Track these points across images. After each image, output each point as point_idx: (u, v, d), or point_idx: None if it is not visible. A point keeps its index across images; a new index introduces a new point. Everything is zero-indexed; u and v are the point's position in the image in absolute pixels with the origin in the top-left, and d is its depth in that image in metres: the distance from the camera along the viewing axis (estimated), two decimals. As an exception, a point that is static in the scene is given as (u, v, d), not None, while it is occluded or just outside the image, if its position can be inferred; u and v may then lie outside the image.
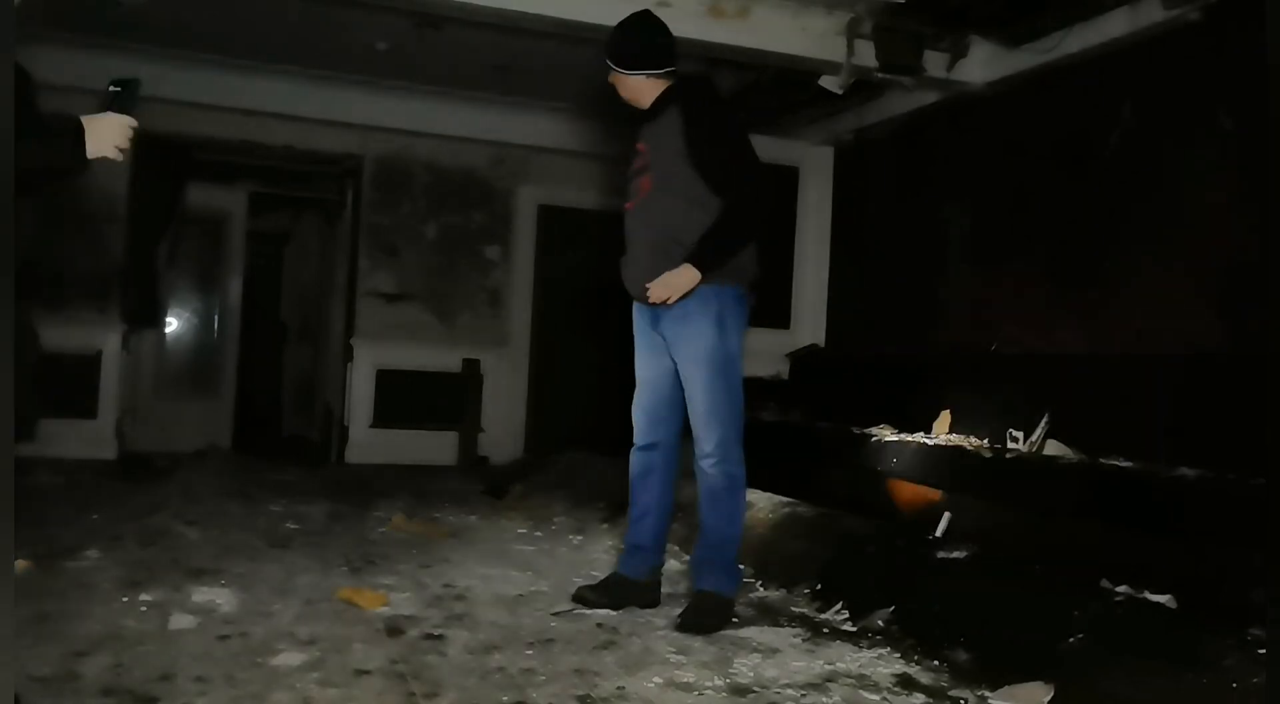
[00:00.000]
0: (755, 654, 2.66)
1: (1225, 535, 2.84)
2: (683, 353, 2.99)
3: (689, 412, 3.02)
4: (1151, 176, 4.15)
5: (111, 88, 1.86)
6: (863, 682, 2.46)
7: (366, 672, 2.34)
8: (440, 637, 2.67)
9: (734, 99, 5.59)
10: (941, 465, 3.94)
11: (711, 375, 2.95)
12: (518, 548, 4.04)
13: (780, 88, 5.49)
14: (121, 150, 1.85)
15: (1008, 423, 3.99)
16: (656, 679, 2.40)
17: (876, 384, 5.14)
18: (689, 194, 2.95)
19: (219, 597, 2.91)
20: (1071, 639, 2.43)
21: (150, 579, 3.12)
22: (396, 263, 6.93)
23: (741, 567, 3.22)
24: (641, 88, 3.08)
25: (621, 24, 3.11)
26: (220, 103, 6.19)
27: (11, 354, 1.64)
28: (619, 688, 2.32)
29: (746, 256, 3.02)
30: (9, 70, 1.64)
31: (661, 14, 3.20)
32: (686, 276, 2.89)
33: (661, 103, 3.06)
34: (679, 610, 2.97)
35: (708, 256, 2.91)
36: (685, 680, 2.40)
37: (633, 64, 3.07)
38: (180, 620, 2.67)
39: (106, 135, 1.81)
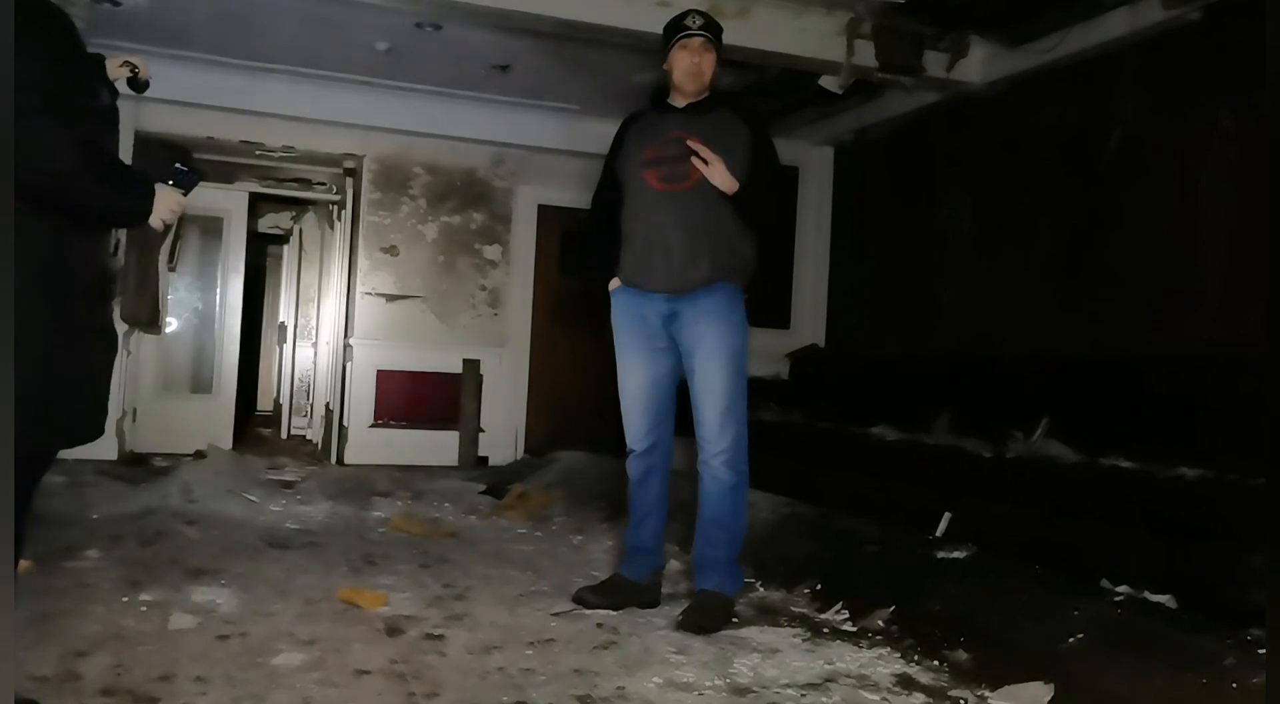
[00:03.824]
0: (755, 654, 2.65)
1: (1225, 535, 2.84)
2: (706, 350, 2.96)
3: (703, 409, 2.98)
4: (1151, 176, 4.15)
5: (177, 166, 2.06)
6: (863, 682, 2.46)
7: (366, 672, 2.34)
8: (440, 637, 2.67)
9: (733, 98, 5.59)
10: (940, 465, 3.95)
11: (733, 373, 2.96)
12: (518, 548, 4.04)
13: (780, 88, 5.49)
14: (166, 224, 2.04)
15: (1008, 423, 4.00)
16: (656, 679, 2.40)
17: (876, 384, 5.15)
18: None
19: (219, 597, 2.92)
20: (1071, 639, 2.43)
21: (150, 579, 3.12)
22: (396, 263, 6.92)
23: (742, 567, 3.21)
24: (712, 70, 3.06)
25: (691, 11, 3.11)
26: (220, 103, 6.18)
27: (11, 355, 1.65)
28: (619, 688, 2.32)
29: (753, 257, 3.04)
30: (9, 68, 1.65)
31: (661, 14, 3.21)
32: (729, 181, 2.90)
33: (714, 103, 3.07)
34: (679, 610, 2.97)
35: (752, 194, 2.94)
36: (685, 680, 2.40)
37: (723, 43, 3.08)
38: (180, 620, 2.67)
39: (162, 206, 2.00)
